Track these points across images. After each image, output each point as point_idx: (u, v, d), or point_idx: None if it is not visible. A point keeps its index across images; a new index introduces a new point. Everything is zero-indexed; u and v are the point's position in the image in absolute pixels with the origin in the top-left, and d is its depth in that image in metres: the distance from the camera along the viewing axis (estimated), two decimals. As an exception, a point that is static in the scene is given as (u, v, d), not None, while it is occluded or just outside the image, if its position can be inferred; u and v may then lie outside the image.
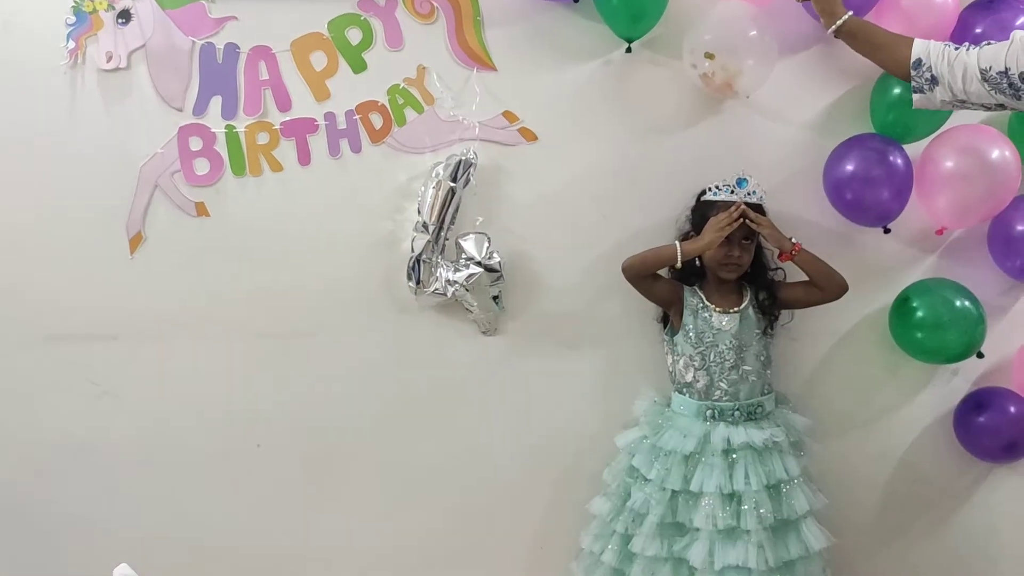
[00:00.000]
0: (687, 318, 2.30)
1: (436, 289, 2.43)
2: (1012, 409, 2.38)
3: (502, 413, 2.54)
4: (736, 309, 2.29)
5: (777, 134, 2.45)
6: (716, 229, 2.21)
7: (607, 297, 2.49)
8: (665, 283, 2.34)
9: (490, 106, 2.44)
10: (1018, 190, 2.32)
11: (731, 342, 2.27)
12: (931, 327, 2.34)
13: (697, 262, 2.32)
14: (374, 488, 2.57)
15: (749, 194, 2.24)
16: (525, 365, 2.52)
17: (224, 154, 2.47)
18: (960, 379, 2.49)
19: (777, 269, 2.36)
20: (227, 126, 2.47)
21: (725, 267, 2.26)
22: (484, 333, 2.51)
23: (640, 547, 2.20)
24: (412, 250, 2.43)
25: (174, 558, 2.47)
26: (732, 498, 2.16)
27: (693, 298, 2.31)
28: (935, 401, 2.51)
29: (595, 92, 2.45)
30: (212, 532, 2.58)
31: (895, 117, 2.33)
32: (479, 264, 2.41)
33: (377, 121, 2.46)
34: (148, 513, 2.57)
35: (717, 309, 2.29)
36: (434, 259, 2.42)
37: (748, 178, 2.25)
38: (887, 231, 2.38)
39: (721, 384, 2.27)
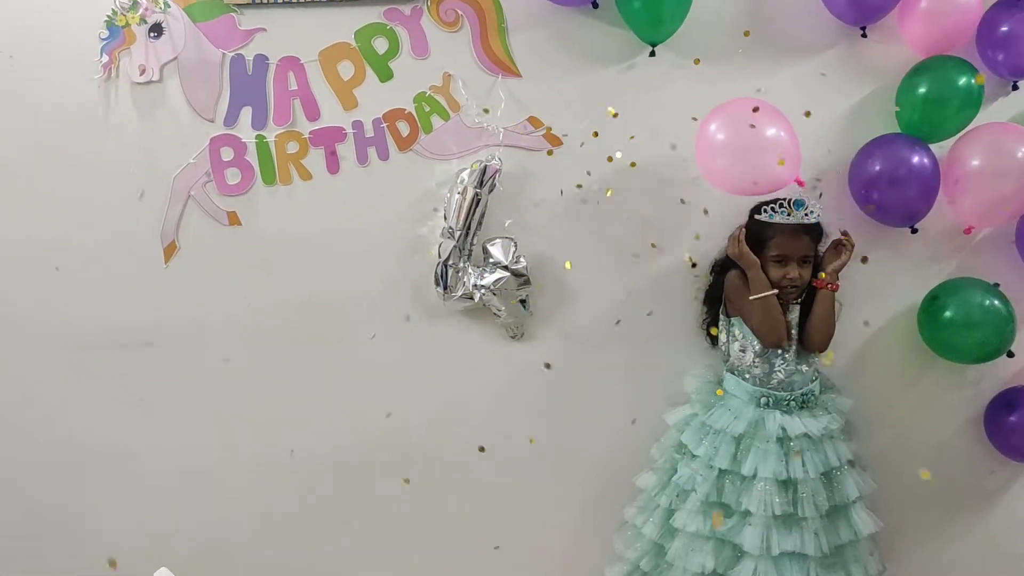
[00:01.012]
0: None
1: (464, 294, 2.46)
2: (1044, 408, 2.36)
3: (531, 417, 2.56)
4: (799, 301, 2.29)
5: (803, 134, 2.44)
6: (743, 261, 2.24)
7: (634, 299, 2.51)
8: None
9: (515, 112, 2.47)
10: (1047, 188, 2.30)
11: (793, 334, 2.27)
12: (961, 326, 2.33)
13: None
14: (406, 492, 2.58)
15: (807, 215, 2.19)
16: (553, 368, 2.53)
17: (255, 163, 2.52)
18: (990, 379, 2.47)
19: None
20: (257, 136, 2.51)
21: (784, 287, 2.24)
22: (512, 337, 2.53)
23: (682, 523, 2.21)
24: (439, 256, 2.46)
25: (210, 564, 2.51)
26: (788, 485, 2.16)
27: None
28: (966, 400, 2.50)
29: (620, 96, 2.46)
30: (246, 538, 2.62)
31: (921, 117, 2.32)
32: (506, 268, 2.44)
33: (404, 129, 2.49)
34: (183, 519, 2.62)
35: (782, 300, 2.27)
36: (461, 264, 2.44)
37: (806, 199, 2.19)
38: (915, 231, 2.38)
39: (778, 373, 2.27)
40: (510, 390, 2.56)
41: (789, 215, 2.18)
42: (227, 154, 2.52)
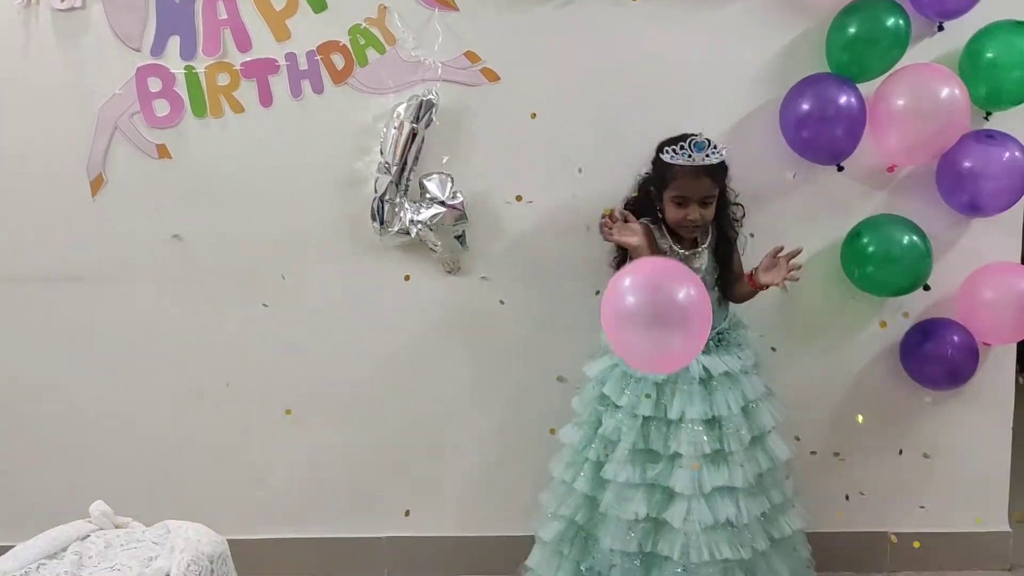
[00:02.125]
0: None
1: (400, 229, 2.46)
2: (955, 339, 2.48)
3: (466, 349, 2.60)
4: (703, 247, 2.32)
5: (735, 74, 2.48)
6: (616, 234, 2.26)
7: (569, 235, 2.54)
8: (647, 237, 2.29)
9: (452, 46, 2.44)
10: (967, 128, 2.39)
11: (705, 279, 2.28)
12: (881, 261, 2.43)
13: (658, 214, 2.31)
14: (340, 423, 2.63)
15: (708, 155, 2.19)
16: (488, 303, 2.57)
17: (184, 95, 2.46)
18: (907, 310, 2.58)
19: (735, 222, 2.37)
20: (187, 67, 2.45)
21: (683, 227, 2.26)
22: (448, 272, 2.55)
23: (612, 474, 2.23)
24: (375, 191, 2.45)
25: (146, 493, 2.51)
26: (714, 423, 2.21)
27: (663, 241, 2.31)
28: (884, 331, 2.60)
29: (558, 32, 2.45)
30: (179, 470, 2.64)
31: (850, 56, 2.37)
32: (442, 204, 2.44)
33: (339, 62, 2.45)
34: (118, 450, 2.63)
35: (686, 252, 2.30)
36: (397, 199, 2.44)
37: (705, 141, 2.19)
38: (841, 169, 2.45)
39: None
40: (445, 324, 2.59)
41: (690, 156, 2.19)
42: (155, 85, 2.45)
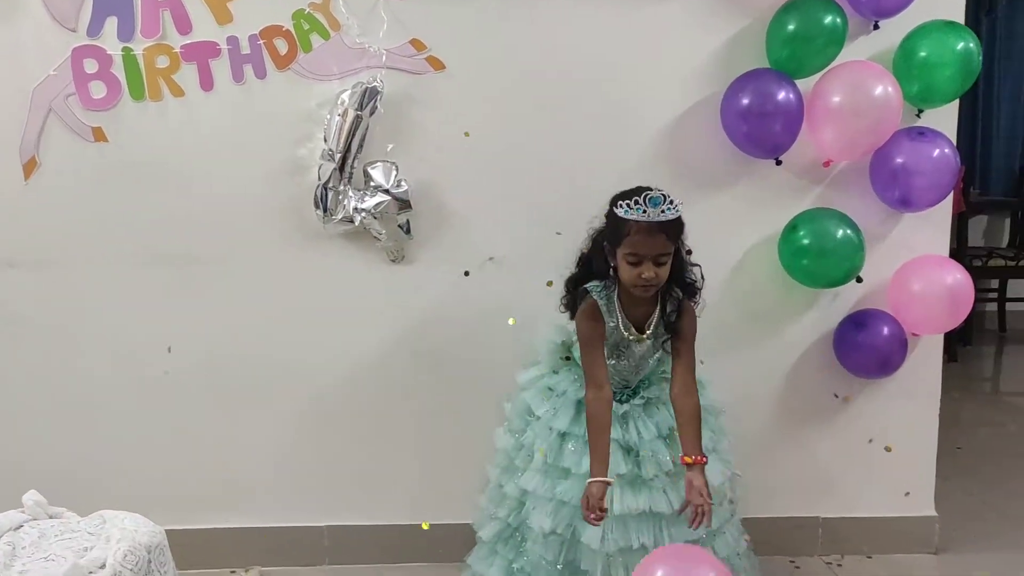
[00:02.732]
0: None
1: (344, 217, 2.45)
2: (886, 330, 2.56)
3: (410, 339, 2.60)
4: (648, 332, 2.18)
5: (677, 67, 2.51)
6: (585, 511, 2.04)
7: (514, 225, 2.56)
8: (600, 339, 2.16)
9: (397, 34, 2.43)
10: (899, 124, 2.46)
11: (640, 357, 2.21)
12: (816, 254, 2.49)
13: (611, 271, 2.14)
14: (281, 414, 2.61)
15: (663, 212, 2.02)
16: (433, 292, 2.57)
17: (122, 77, 2.41)
18: (841, 302, 2.65)
19: (692, 283, 2.20)
20: (124, 48, 2.40)
21: (637, 287, 2.10)
22: (392, 261, 2.55)
23: (526, 483, 2.19)
24: (319, 178, 2.43)
25: (81, 483, 2.47)
26: (630, 451, 2.16)
27: (610, 319, 2.16)
28: (818, 322, 2.67)
29: (503, 21, 2.46)
30: (117, 461, 2.59)
31: (789, 53, 2.42)
32: (387, 192, 2.44)
33: (282, 47, 2.42)
34: (53, 439, 2.57)
35: (632, 337, 2.17)
36: (341, 187, 2.43)
37: (660, 196, 2.02)
38: (779, 163, 2.50)
39: (624, 381, 2.25)
40: (388, 313, 2.58)
41: (644, 212, 2.02)
42: (91, 66, 2.40)
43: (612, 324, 2.16)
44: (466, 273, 2.56)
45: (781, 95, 2.40)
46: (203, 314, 2.56)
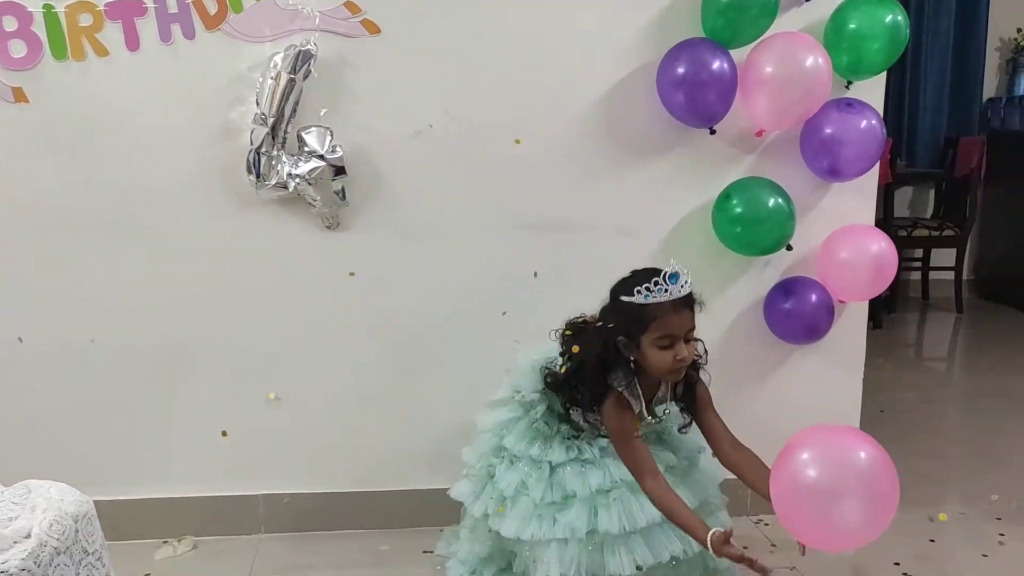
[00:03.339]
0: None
1: (278, 183, 2.41)
2: (814, 297, 2.63)
3: (345, 306, 2.58)
4: (663, 415, 2.14)
5: (614, 36, 2.52)
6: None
7: (451, 192, 2.54)
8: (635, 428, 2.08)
9: (331, -5, 2.39)
10: (828, 96, 2.50)
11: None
12: (749, 222, 2.53)
13: (630, 358, 2.05)
14: (213, 382, 2.58)
15: (683, 287, 1.97)
16: (369, 259, 2.55)
17: (43, 36, 2.32)
18: (771, 269, 2.70)
19: (699, 358, 2.13)
20: (45, 6, 2.31)
21: (674, 372, 2.03)
22: (327, 227, 2.52)
23: (517, 531, 2.07)
24: (251, 143, 2.39)
25: (5, 453, 2.41)
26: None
27: (636, 406, 2.08)
28: (750, 289, 2.72)
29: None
30: (44, 427, 2.54)
31: (724, 22, 2.44)
32: (321, 158, 2.40)
33: (211, 6, 2.36)
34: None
35: (654, 420, 2.13)
36: (274, 152, 2.39)
37: (676, 271, 1.96)
38: (713, 132, 2.53)
39: None
40: (323, 280, 2.56)
41: (667, 291, 1.94)
42: (10, 24, 2.30)
43: (637, 409, 2.08)
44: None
45: (716, 64, 2.42)
46: (131, 282, 2.50)
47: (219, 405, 2.59)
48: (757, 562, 1.88)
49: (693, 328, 2.02)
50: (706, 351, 2.14)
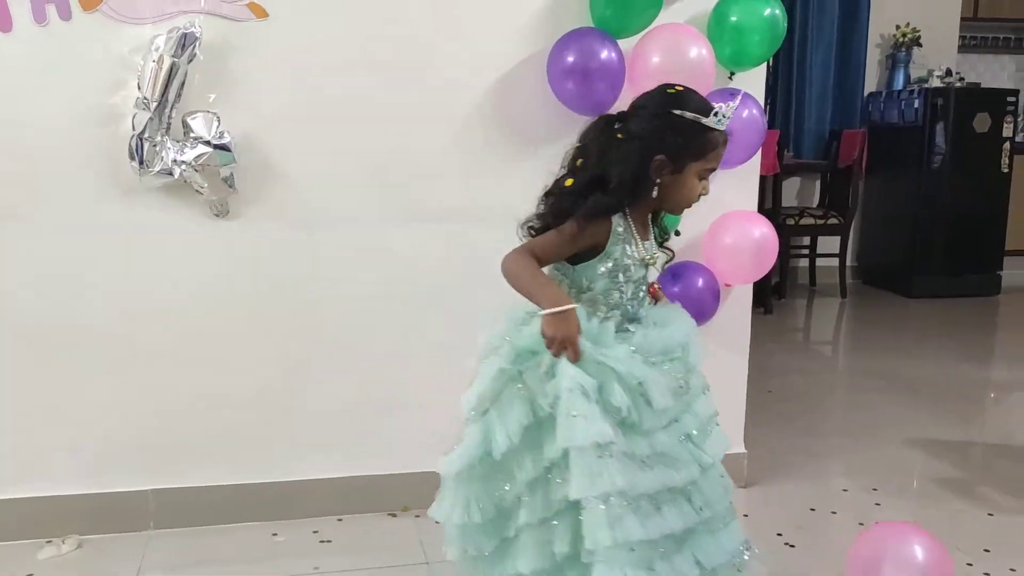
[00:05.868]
0: (612, 249, 1.83)
1: (162, 169, 2.35)
2: (700, 281, 2.71)
3: (235, 296, 2.54)
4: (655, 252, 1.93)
5: (504, 23, 2.54)
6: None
7: (345, 180, 2.53)
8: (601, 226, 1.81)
9: (216, -23, 2.34)
10: (712, 86, 2.58)
11: (638, 281, 1.90)
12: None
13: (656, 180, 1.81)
14: (98, 376, 2.50)
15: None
16: (260, 247, 2.51)
17: (-96, 14, 2.21)
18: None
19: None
20: (-95, -19, 2.19)
21: (689, 206, 1.91)
22: (216, 215, 2.47)
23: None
24: (134, 128, 2.32)
25: None
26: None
27: (629, 247, 1.86)
28: (641, 275, 2.79)
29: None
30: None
31: (612, 12, 2.49)
32: (208, 144, 2.35)
33: (88, -14, 2.29)
34: None
35: (649, 260, 1.90)
36: (159, 138, 2.33)
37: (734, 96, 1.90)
38: (602, 120, 2.58)
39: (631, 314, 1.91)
40: (214, 269, 2.51)
41: (721, 121, 1.81)
42: None
43: (626, 251, 1.84)
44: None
45: (604, 54, 2.47)
46: (9, 273, 2.40)
47: (105, 399, 2.51)
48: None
49: None
50: None
